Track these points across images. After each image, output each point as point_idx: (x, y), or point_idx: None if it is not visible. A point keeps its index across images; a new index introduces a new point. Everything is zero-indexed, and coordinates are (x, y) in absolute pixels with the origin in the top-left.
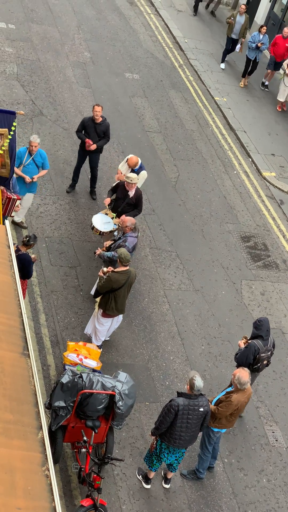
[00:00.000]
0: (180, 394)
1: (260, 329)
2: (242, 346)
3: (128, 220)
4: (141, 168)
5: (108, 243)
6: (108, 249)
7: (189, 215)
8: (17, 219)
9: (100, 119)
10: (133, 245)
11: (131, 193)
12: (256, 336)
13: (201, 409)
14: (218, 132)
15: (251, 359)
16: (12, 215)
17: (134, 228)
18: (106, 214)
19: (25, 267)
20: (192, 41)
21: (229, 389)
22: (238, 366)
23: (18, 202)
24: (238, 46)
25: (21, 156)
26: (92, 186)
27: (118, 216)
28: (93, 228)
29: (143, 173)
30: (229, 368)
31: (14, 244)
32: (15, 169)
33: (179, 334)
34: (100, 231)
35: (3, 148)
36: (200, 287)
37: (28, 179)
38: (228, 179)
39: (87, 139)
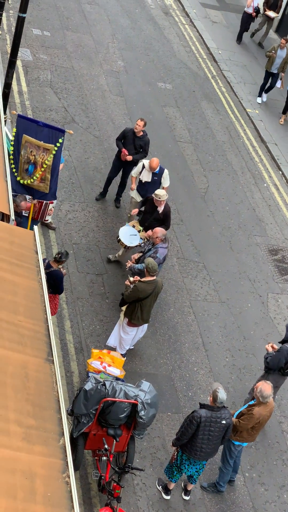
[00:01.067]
0: (202, 406)
1: None
2: (270, 350)
3: (159, 231)
4: (161, 168)
5: (136, 255)
6: (138, 261)
7: (217, 226)
8: (48, 217)
9: (142, 133)
10: (163, 256)
11: (160, 209)
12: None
13: (223, 422)
14: (249, 144)
15: (283, 363)
16: (46, 219)
17: (164, 239)
18: (133, 226)
19: (56, 284)
20: (226, 53)
21: (252, 402)
22: (267, 370)
23: (51, 206)
24: (279, 81)
25: None
26: (118, 193)
27: (145, 230)
28: (119, 240)
29: (166, 172)
30: (253, 382)
31: (45, 259)
32: None
33: (203, 345)
34: (126, 245)
35: (46, 162)
36: (226, 299)
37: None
38: (257, 191)
39: (123, 149)
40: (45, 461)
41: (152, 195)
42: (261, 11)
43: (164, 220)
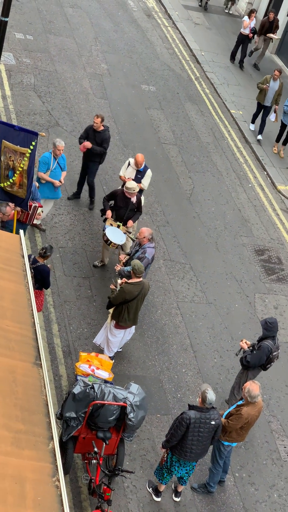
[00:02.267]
0: (191, 407)
1: (272, 330)
2: (246, 347)
3: (145, 231)
4: (146, 167)
5: (122, 257)
6: (126, 264)
7: (203, 228)
8: (36, 221)
9: (102, 127)
10: (152, 255)
11: (134, 199)
12: (266, 337)
13: (213, 422)
14: (233, 145)
15: (264, 360)
16: (34, 222)
17: (151, 238)
18: (111, 224)
19: (43, 278)
20: (209, 54)
21: (240, 402)
22: (245, 368)
23: (40, 209)
24: (273, 115)
25: (48, 162)
26: (90, 196)
27: (124, 224)
28: (110, 243)
29: (149, 172)
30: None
31: (30, 255)
32: (42, 174)
33: (191, 347)
34: (118, 245)
35: (22, 166)
36: (213, 299)
37: (58, 183)
38: (243, 192)
39: (84, 142)
40: (35, 465)
41: (123, 188)
42: (255, 37)
43: (138, 207)
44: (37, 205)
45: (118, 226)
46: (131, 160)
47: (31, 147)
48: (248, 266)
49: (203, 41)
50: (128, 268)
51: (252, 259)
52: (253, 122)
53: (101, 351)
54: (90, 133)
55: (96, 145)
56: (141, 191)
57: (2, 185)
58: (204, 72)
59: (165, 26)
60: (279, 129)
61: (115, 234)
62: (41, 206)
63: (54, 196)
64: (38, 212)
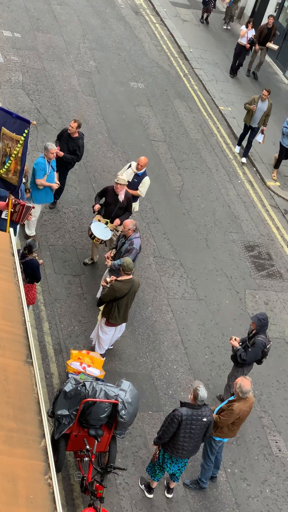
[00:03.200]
0: (183, 404)
1: (265, 325)
2: (237, 345)
3: (129, 223)
4: (145, 174)
5: (110, 253)
6: (114, 258)
7: (193, 224)
8: (30, 232)
9: (77, 134)
10: (139, 245)
11: (121, 197)
12: (259, 332)
13: (204, 419)
14: (222, 141)
15: (259, 356)
16: (23, 223)
17: (136, 229)
18: (99, 220)
19: (34, 272)
20: (197, 51)
21: (232, 398)
22: (240, 366)
23: (32, 210)
24: (261, 136)
25: (44, 167)
26: (55, 197)
27: (112, 221)
28: (94, 238)
29: (147, 179)
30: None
31: (19, 250)
32: (41, 181)
33: (182, 343)
34: (102, 240)
35: (14, 152)
36: (203, 296)
37: (55, 185)
38: (232, 188)
39: (57, 146)
40: (27, 463)
41: (114, 180)
42: (255, 45)
43: (127, 207)
44: (31, 205)
45: (106, 223)
46: (133, 164)
47: (24, 135)
48: (238, 262)
49: (191, 38)
50: (119, 261)
51: (242, 255)
52: (239, 144)
53: (92, 348)
54: (64, 136)
55: (66, 149)
56: (136, 198)
57: (0, 171)
58: (193, 68)
59: (153, 23)
60: (277, 154)
61: (101, 229)
62: (34, 207)
63: (50, 199)
64: (30, 212)
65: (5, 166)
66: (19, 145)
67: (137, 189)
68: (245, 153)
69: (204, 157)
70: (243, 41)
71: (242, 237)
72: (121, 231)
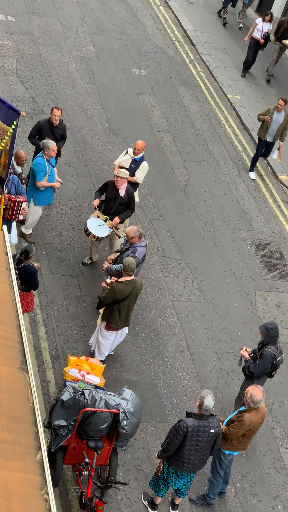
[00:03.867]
0: (189, 414)
1: (274, 335)
2: (247, 355)
3: (130, 231)
4: (142, 159)
5: (113, 256)
6: (115, 262)
7: (199, 221)
8: (26, 231)
9: (58, 122)
10: (143, 255)
11: (122, 191)
12: (268, 343)
13: (212, 431)
14: (231, 132)
15: (269, 368)
16: (19, 218)
17: (140, 236)
18: (98, 216)
19: (30, 279)
20: (204, 35)
21: (242, 408)
22: (249, 378)
23: (24, 204)
24: (276, 152)
25: (45, 168)
26: None
27: (111, 218)
28: (89, 234)
29: (144, 165)
30: None
31: (15, 255)
32: (43, 182)
33: (188, 349)
34: (97, 237)
35: (2, 145)
36: (211, 298)
37: (57, 184)
38: (241, 182)
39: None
40: (22, 477)
41: (114, 173)
42: (272, 39)
43: (129, 204)
44: (21, 200)
45: (106, 220)
46: (130, 150)
47: (13, 126)
48: (248, 262)
49: (198, 21)
50: (117, 266)
51: (252, 255)
52: (251, 169)
53: (91, 354)
54: (45, 129)
55: (54, 140)
56: (136, 185)
57: None
58: (199, 54)
59: (157, 5)
60: None
61: (98, 226)
62: (26, 201)
63: (51, 200)
64: (23, 207)
65: None
66: (6, 137)
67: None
68: (251, 167)
69: (212, 149)
70: (257, 35)
71: (252, 234)
72: (125, 239)
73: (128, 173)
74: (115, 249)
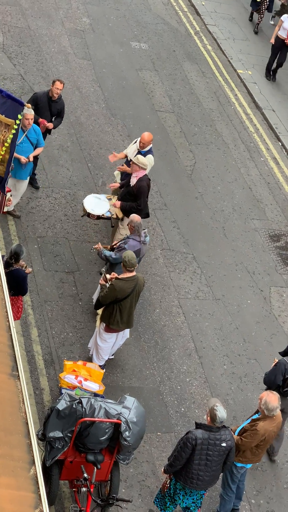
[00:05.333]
0: (198, 426)
1: None
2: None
3: (133, 217)
4: (149, 151)
5: (116, 243)
6: (112, 249)
7: (207, 210)
8: (7, 208)
9: (57, 96)
10: (133, 250)
11: (133, 180)
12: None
13: (224, 444)
14: (241, 111)
15: (280, 380)
16: (4, 210)
17: (136, 230)
18: (110, 199)
19: (19, 284)
20: (211, 4)
21: (256, 416)
22: (267, 388)
23: (8, 194)
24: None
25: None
26: (33, 172)
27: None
28: (88, 214)
29: (151, 159)
30: (256, 392)
31: (3, 256)
32: None
33: (196, 352)
34: (98, 216)
35: (8, 141)
36: (221, 295)
37: (23, 159)
38: (254, 167)
39: (40, 119)
40: (14, 494)
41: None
42: None
43: (136, 197)
44: (5, 191)
45: (110, 199)
46: (139, 139)
47: (18, 122)
48: (262, 254)
49: None
50: (107, 253)
51: (266, 247)
52: (268, 75)
53: (89, 359)
54: (43, 102)
55: (50, 116)
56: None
57: None
58: (205, 25)
59: None
60: None
61: (97, 202)
62: (10, 191)
63: (20, 176)
64: (7, 197)
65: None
66: (13, 131)
67: None
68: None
69: (220, 130)
70: (284, 35)
71: (266, 224)
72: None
73: (145, 162)
74: (115, 241)
